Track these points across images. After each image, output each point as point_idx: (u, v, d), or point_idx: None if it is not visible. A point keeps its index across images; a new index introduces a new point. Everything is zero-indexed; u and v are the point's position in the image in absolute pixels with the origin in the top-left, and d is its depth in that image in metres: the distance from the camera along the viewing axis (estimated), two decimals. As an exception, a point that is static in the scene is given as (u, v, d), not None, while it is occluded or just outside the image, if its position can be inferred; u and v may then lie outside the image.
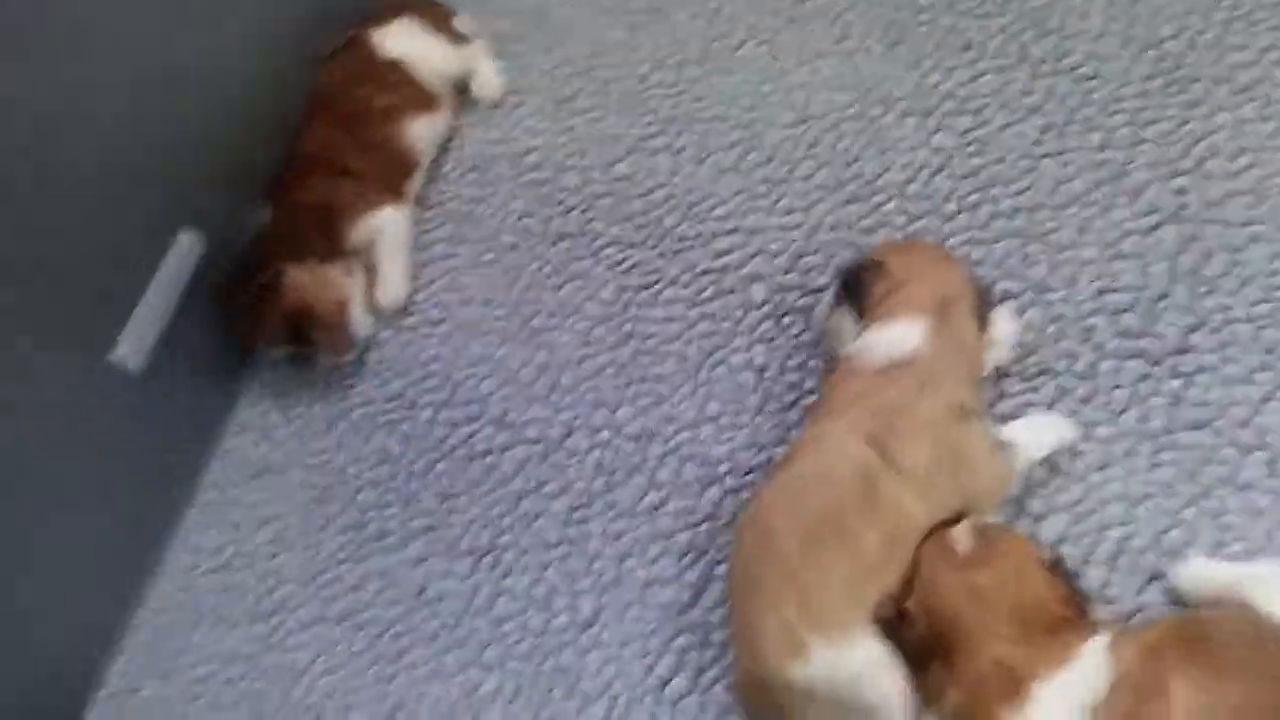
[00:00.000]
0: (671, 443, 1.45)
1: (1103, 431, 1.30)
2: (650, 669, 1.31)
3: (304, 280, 1.54)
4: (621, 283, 1.58)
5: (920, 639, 1.06)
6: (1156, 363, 1.33)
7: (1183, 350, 1.33)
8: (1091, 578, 1.22)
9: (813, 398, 1.41)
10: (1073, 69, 1.58)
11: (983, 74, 1.61)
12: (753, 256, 1.55)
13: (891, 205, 1.54)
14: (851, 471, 1.15)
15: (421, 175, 1.71)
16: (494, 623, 1.38)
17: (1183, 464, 1.27)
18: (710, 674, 1.29)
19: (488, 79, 1.79)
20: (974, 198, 1.51)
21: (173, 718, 1.41)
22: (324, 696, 1.38)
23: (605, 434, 1.48)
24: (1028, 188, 1.50)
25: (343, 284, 1.59)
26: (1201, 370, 1.31)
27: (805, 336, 1.48)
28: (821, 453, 1.20)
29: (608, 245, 1.62)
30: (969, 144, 1.55)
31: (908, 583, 1.10)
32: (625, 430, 1.47)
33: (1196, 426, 1.28)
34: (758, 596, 1.15)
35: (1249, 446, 1.26)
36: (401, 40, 1.71)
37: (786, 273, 1.53)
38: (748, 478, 1.40)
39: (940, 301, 1.25)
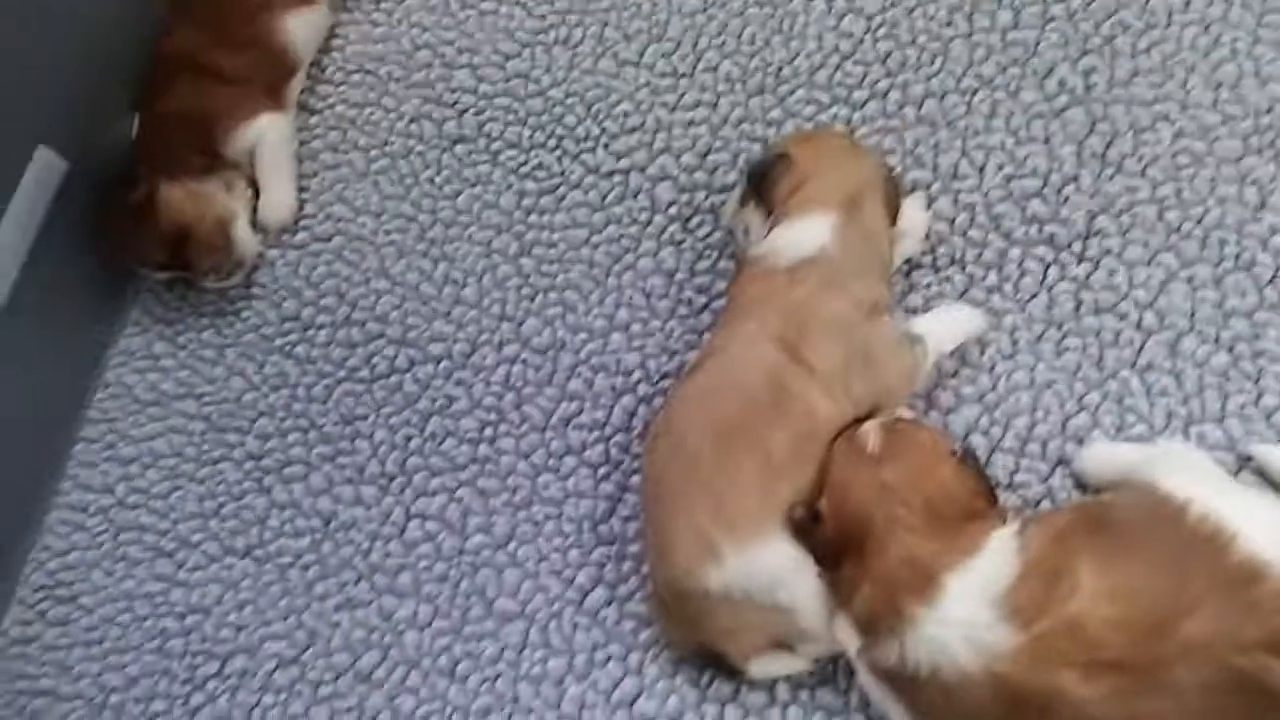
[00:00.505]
0: (581, 353, 1.41)
1: (1010, 320, 1.30)
2: (569, 583, 1.30)
3: (179, 198, 1.45)
4: (521, 188, 1.51)
5: (832, 538, 1.06)
6: (1063, 248, 1.32)
7: (1088, 235, 1.32)
8: (999, 466, 1.23)
9: (723, 300, 1.38)
10: (981, -56, 1.52)
11: (890, -48, 1.54)
12: (658, 155, 1.49)
13: (800, 95, 1.48)
14: (761, 374, 1.13)
15: (302, 78, 1.60)
16: (406, 547, 1.35)
17: (1087, 349, 1.27)
18: (628, 586, 1.28)
19: (369, -30, 1.67)
20: (883, 84, 1.46)
21: (77, 661, 1.36)
22: (234, 631, 1.34)
23: (512, 348, 1.43)
24: (937, 72, 1.45)
25: (222, 200, 1.49)
26: (1106, 254, 1.31)
27: (714, 237, 1.43)
28: (730, 356, 1.18)
29: (506, 148, 1.54)
30: (878, 28, 1.50)
31: (819, 483, 1.10)
32: (533, 343, 1.42)
33: (1100, 311, 1.28)
34: (670, 503, 1.14)
35: (1150, 329, 1.26)
36: (273, -71, 1.58)
37: (693, 171, 1.47)
38: (660, 385, 1.37)
39: (849, 195, 1.21)
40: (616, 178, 1.49)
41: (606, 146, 1.51)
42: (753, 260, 1.23)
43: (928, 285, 1.34)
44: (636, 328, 1.41)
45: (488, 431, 1.39)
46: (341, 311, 1.48)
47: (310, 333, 1.48)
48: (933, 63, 1.46)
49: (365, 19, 1.65)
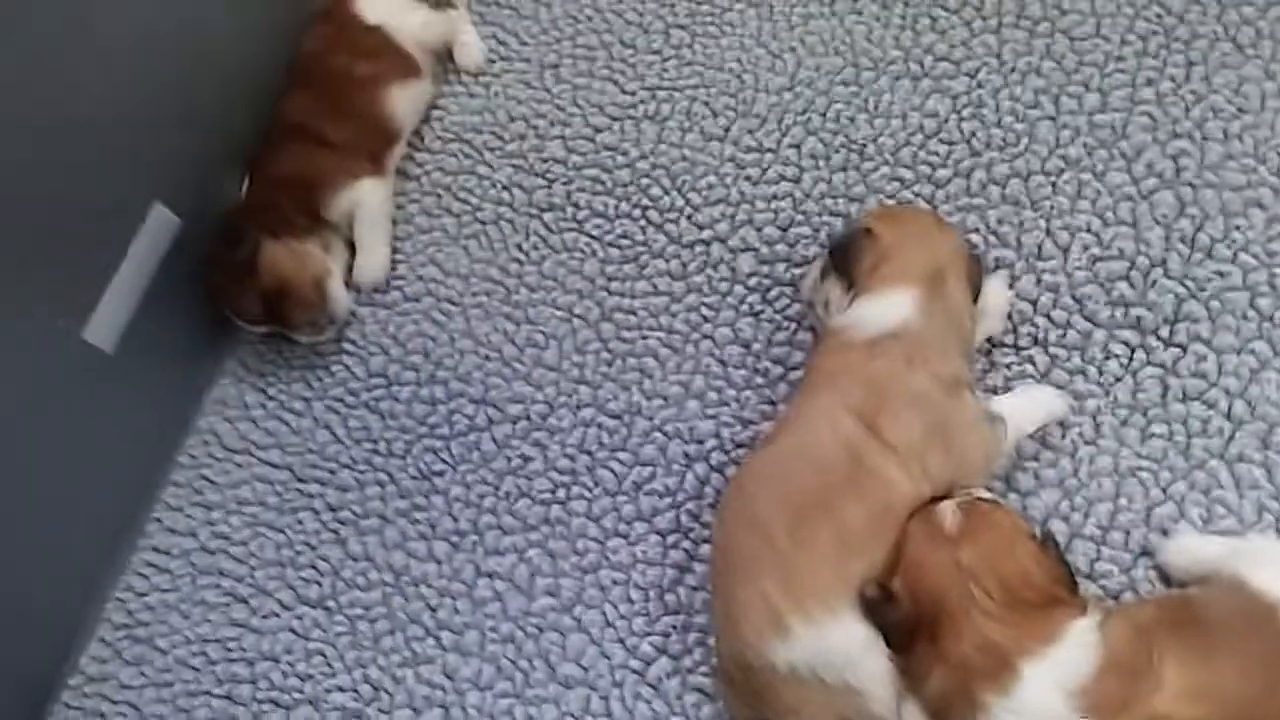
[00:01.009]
0: (656, 419, 1.42)
1: (1093, 404, 1.27)
2: (632, 652, 1.29)
3: (281, 256, 1.50)
4: (605, 255, 1.54)
5: (905, 619, 1.04)
6: (1150, 333, 1.30)
7: (1176, 319, 1.29)
8: (1079, 554, 1.20)
9: (799, 373, 1.38)
10: (1070, 28, 1.52)
11: (978, 35, 1.56)
12: (739, 227, 1.51)
13: (883, 172, 1.49)
14: (838, 446, 1.12)
15: (402, 146, 1.66)
16: (474, 605, 1.36)
17: (1174, 437, 1.24)
18: (692, 657, 1.27)
19: (470, 46, 1.74)
20: (967, 164, 1.46)
21: (147, 703, 1.39)
22: (301, 681, 1.36)
23: (589, 411, 1.44)
24: (1022, 152, 1.45)
25: (321, 260, 1.55)
26: (1195, 340, 1.28)
27: (792, 310, 1.44)
28: (808, 427, 1.17)
29: (592, 217, 1.58)
30: (963, 107, 1.51)
31: (894, 561, 1.08)
32: (609, 407, 1.44)
33: (1189, 398, 1.25)
34: (741, 574, 1.13)
35: (1241, 418, 1.22)
36: (382, 6, 1.66)
37: (774, 244, 1.49)
38: (733, 454, 1.37)
39: (932, 271, 1.21)
40: (698, 248, 1.51)
41: (690, 218, 1.53)
42: (833, 333, 1.23)
43: (1009, 365, 1.32)
44: (712, 396, 1.41)
45: (560, 493, 1.40)
46: (426, 370, 1.52)
47: (395, 389, 1.52)
48: (1018, 143, 1.46)
49: (464, 91, 1.72)
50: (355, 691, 1.34)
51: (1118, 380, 1.28)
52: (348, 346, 1.57)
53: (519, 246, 1.58)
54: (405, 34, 1.66)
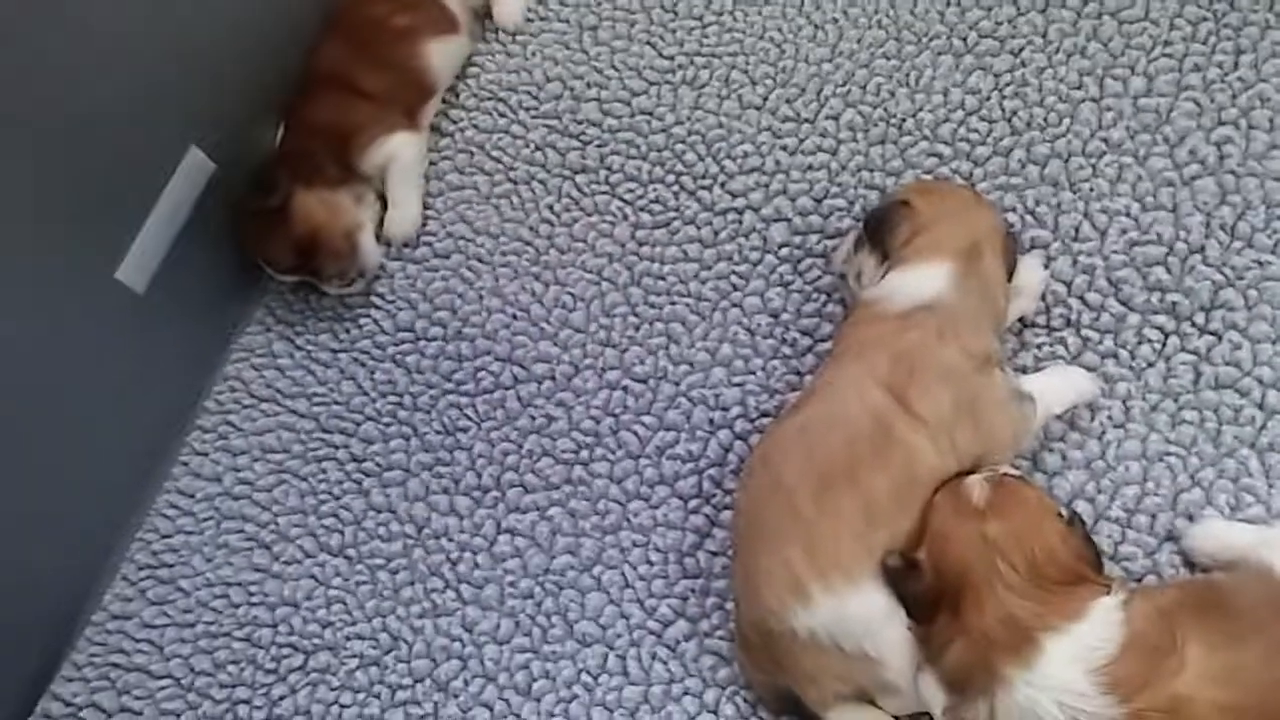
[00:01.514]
0: (681, 385, 1.42)
1: (1124, 388, 1.26)
2: (650, 613, 1.30)
3: (313, 206, 1.51)
4: (637, 220, 1.54)
5: (928, 590, 1.04)
6: (1185, 319, 1.29)
7: (1212, 307, 1.28)
8: (1104, 535, 1.19)
9: (827, 344, 1.38)
10: (1118, 10, 1.50)
11: (1024, 13, 1.53)
12: (773, 197, 1.50)
13: (921, 147, 1.48)
14: (866, 417, 1.12)
15: (437, 101, 1.66)
16: (495, 560, 1.37)
17: (1205, 424, 1.23)
18: (710, 621, 1.28)
19: (509, 4, 1.72)
20: (1007, 142, 1.45)
21: (169, 642, 1.40)
22: (321, 627, 1.37)
23: (614, 374, 1.44)
24: (1064, 134, 1.44)
25: (352, 211, 1.55)
26: (1231, 328, 1.27)
27: (823, 282, 1.44)
28: (837, 397, 1.17)
29: (625, 180, 1.57)
30: (1005, 86, 1.49)
31: (919, 533, 1.08)
32: (634, 370, 1.44)
33: (1221, 386, 1.24)
34: (763, 540, 1.13)
35: (1273, 408, 1.22)
36: (423, -42, 1.66)
37: (807, 215, 1.48)
38: (758, 422, 1.37)
39: (968, 246, 1.21)
40: (730, 216, 1.50)
41: (723, 185, 1.53)
42: (865, 304, 1.23)
43: (1040, 345, 1.31)
44: (738, 364, 1.41)
45: (583, 454, 1.41)
46: (453, 326, 1.52)
47: (422, 344, 1.52)
48: (1060, 124, 1.44)
49: (501, 49, 1.71)
50: (374, 640, 1.35)
51: (1150, 365, 1.27)
52: (376, 300, 1.57)
53: (550, 207, 1.58)
54: (446, -12, 1.66)
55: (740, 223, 1.50)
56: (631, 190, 1.56)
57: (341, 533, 1.43)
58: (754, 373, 1.40)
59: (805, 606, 1.08)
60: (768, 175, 1.52)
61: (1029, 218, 1.39)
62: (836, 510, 1.09)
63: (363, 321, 1.56)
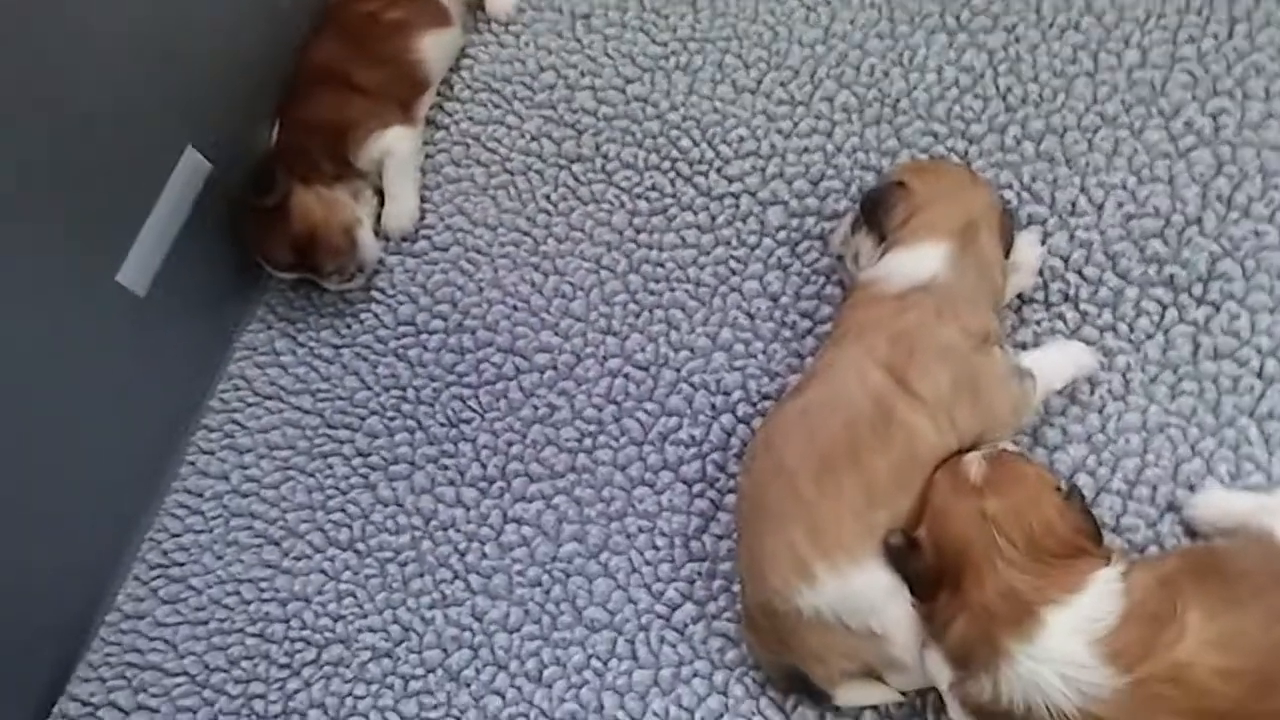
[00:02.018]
0: (683, 371, 1.42)
1: (1123, 360, 1.27)
2: (658, 597, 1.31)
3: (311, 203, 1.51)
4: (634, 207, 1.54)
5: (929, 568, 1.05)
6: (1183, 290, 1.29)
7: (1209, 278, 1.28)
8: (1106, 508, 1.20)
9: (826, 327, 1.38)
10: (1109, -17, 1.50)
11: (1015, -11, 1.53)
12: (770, 180, 1.50)
13: (916, 126, 1.48)
14: (866, 398, 1.13)
15: (432, 95, 1.66)
16: (502, 550, 1.38)
17: (1204, 394, 1.23)
18: (717, 603, 1.29)
19: (501, -5, 1.73)
20: (1002, 119, 1.45)
21: (182, 640, 1.42)
22: (333, 621, 1.39)
23: (616, 362, 1.45)
24: (1059, 109, 1.44)
25: (350, 207, 1.55)
26: (1229, 299, 1.27)
27: (821, 264, 1.44)
28: (837, 379, 1.18)
29: (621, 168, 1.57)
30: (999, 62, 1.49)
31: (919, 511, 1.09)
32: (636, 358, 1.45)
33: (1220, 356, 1.25)
34: (767, 522, 1.14)
35: (1272, 376, 1.22)
36: (413, -47, 1.65)
37: (804, 198, 1.48)
38: (760, 406, 1.38)
39: (964, 225, 1.21)
40: (727, 201, 1.51)
41: (719, 170, 1.53)
42: (862, 285, 1.23)
43: (1039, 321, 1.32)
44: (739, 348, 1.42)
45: (587, 442, 1.41)
46: (454, 319, 1.53)
47: (423, 337, 1.53)
48: (1054, 99, 1.44)
49: (494, 40, 1.71)
50: (385, 632, 1.37)
51: (1148, 337, 1.27)
52: (376, 295, 1.58)
53: (547, 197, 1.58)
54: (436, -19, 1.66)
55: (737, 207, 1.50)
56: (628, 178, 1.56)
57: (350, 527, 1.44)
58: (754, 356, 1.41)
59: (810, 586, 1.09)
60: (764, 159, 1.52)
61: (1025, 194, 1.39)
62: (838, 491, 1.10)
63: (364, 317, 1.57)
